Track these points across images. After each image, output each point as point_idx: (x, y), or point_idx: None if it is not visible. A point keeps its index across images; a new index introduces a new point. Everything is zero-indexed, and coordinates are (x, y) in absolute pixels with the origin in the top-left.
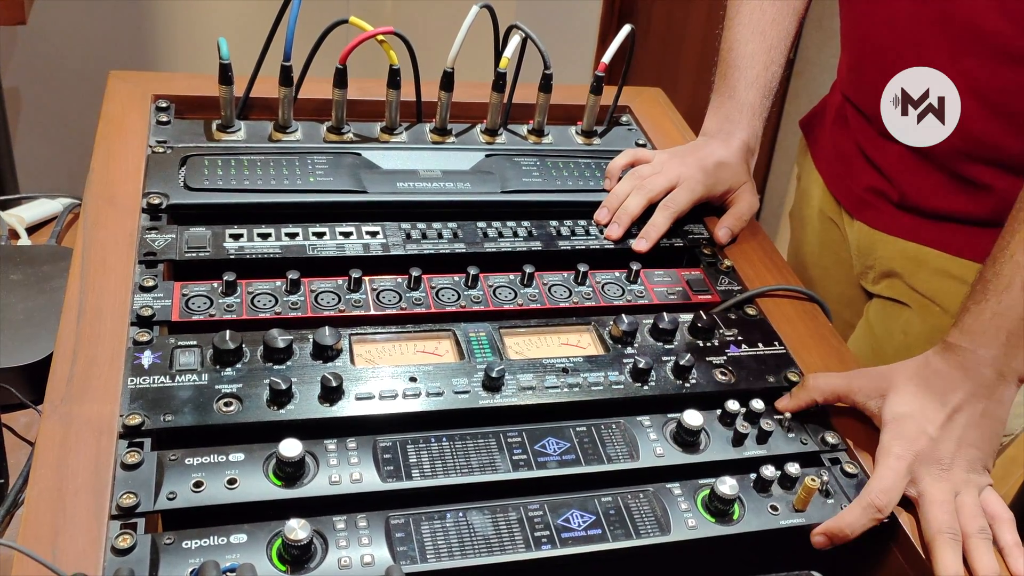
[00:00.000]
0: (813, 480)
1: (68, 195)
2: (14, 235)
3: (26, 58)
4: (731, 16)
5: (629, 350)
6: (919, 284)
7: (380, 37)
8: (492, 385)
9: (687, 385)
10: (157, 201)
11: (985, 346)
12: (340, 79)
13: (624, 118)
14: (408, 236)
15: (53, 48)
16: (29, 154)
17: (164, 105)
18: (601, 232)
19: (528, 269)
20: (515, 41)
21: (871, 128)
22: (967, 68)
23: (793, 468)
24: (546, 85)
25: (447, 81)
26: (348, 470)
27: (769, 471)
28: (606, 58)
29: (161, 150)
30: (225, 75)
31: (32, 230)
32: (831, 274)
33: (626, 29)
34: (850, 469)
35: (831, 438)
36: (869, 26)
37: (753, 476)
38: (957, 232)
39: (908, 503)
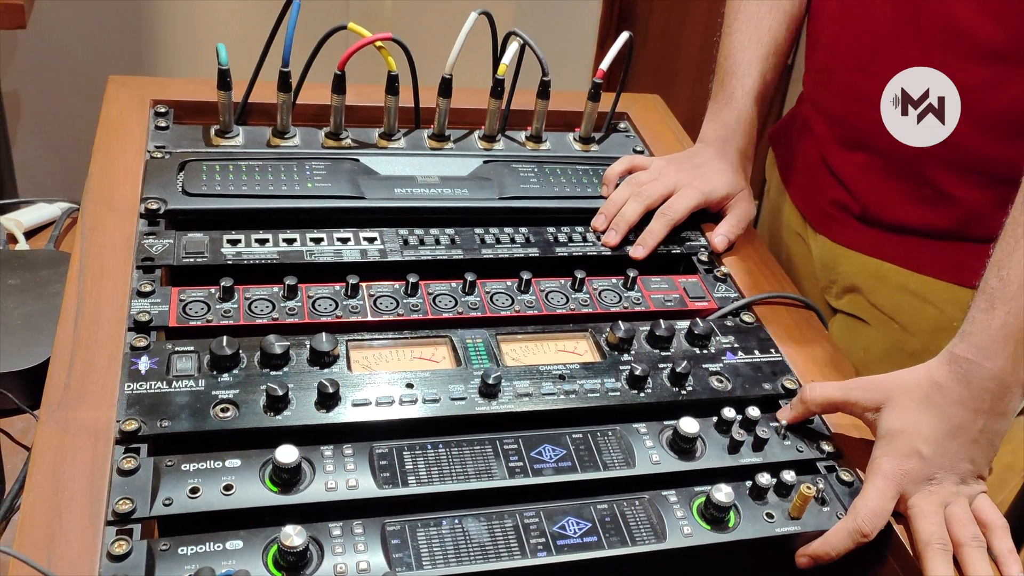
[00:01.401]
0: (809, 488)
1: (66, 199)
2: (12, 239)
3: (25, 62)
4: (728, 23)
5: (626, 357)
6: (879, 300)
7: (378, 43)
8: (489, 392)
9: (683, 392)
10: (155, 206)
11: (992, 358)
12: (339, 85)
13: (622, 125)
14: (406, 242)
15: (52, 52)
16: (28, 158)
17: (163, 110)
18: (598, 239)
19: (525, 275)
20: (513, 47)
21: (832, 135)
22: (942, 66)
23: (789, 476)
24: (544, 91)
25: (445, 87)
26: (344, 476)
27: (765, 479)
28: (604, 64)
29: (159, 155)
30: (224, 80)
31: (30, 234)
32: (800, 288)
33: (624, 36)
34: (846, 477)
35: (827, 446)
36: (843, 27)
37: (749, 484)
38: (918, 246)
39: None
